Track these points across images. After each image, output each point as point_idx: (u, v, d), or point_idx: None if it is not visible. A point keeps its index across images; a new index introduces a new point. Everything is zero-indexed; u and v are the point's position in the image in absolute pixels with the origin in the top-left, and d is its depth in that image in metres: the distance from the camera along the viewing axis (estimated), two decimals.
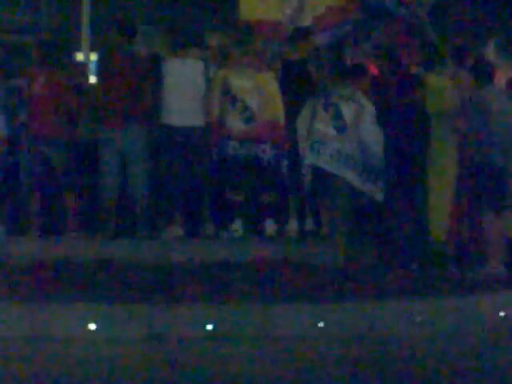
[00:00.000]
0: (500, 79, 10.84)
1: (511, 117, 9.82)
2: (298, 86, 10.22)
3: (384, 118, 9.75)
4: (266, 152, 9.98)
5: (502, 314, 8.56)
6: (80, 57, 11.81)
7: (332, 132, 9.64)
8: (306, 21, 11.54)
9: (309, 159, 9.65)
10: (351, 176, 9.63)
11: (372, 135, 9.64)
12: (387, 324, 8.06)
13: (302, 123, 9.76)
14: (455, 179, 9.80)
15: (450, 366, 7.06)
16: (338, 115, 9.65)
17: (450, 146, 9.90)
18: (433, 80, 10.06)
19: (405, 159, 9.65)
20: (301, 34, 10.76)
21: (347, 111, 9.66)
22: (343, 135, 9.63)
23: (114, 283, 8.34)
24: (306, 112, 9.76)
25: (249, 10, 11.38)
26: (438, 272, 9.47)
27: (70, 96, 9.88)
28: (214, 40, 11.21)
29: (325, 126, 9.64)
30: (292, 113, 9.99)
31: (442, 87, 10.07)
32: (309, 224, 10.41)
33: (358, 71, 10.07)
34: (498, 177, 9.58)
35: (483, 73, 9.92)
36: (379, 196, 9.67)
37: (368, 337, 7.82)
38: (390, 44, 11.32)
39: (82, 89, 10.09)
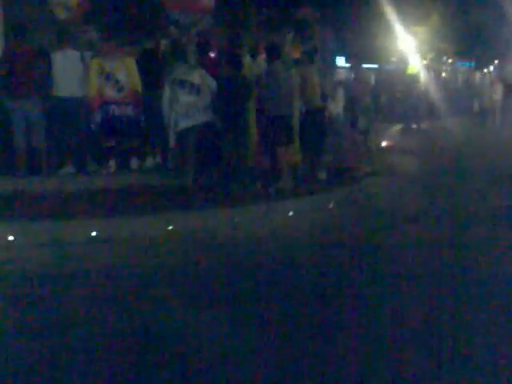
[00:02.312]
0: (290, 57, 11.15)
1: (294, 81, 9.97)
2: (151, 66, 10.19)
3: (221, 84, 9.71)
4: (131, 111, 9.97)
5: (290, 213, 8.84)
6: None
7: (194, 98, 9.51)
8: None
9: (184, 124, 9.45)
10: (210, 117, 9.60)
11: (213, 85, 9.62)
12: (215, 225, 8.12)
13: (166, 103, 9.56)
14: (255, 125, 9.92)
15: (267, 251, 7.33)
16: (192, 87, 9.52)
17: (253, 103, 9.96)
18: (244, 60, 10.15)
19: (232, 112, 9.59)
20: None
21: (197, 81, 9.53)
22: (199, 96, 9.52)
23: (26, 207, 8.23)
24: (166, 93, 9.57)
25: None
26: (250, 187, 9.56)
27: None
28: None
29: (187, 98, 9.49)
30: (149, 84, 9.97)
31: (249, 64, 10.28)
32: (159, 160, 10.40)
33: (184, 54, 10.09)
34: (284, 123, 9.70)
35: (274, 53, 10.01)
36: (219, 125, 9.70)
37: (205, 235, 7.85)
38: None
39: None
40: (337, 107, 13.15)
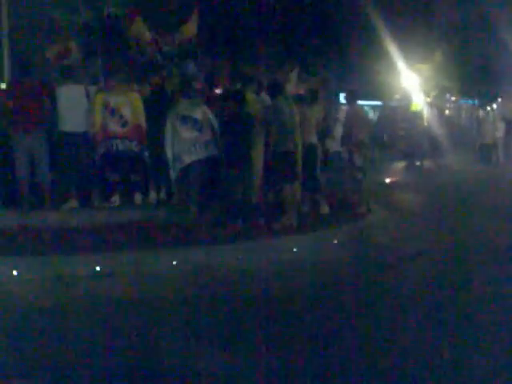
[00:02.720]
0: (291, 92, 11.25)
1: (296, 117, 9.96)
2: (159, 101, 10.33)
3: (225, 120, 9.79)
4: (135, 146, 10.07)
5: (294, 250, 8.83)
6: (3, 86, 11.60)
7: (195, 134, 9.60)
8: None
9: (187, 160, 9.56)
10: (212, 153, 9.66)
11: (214, 124, 9.71)
12: (219, 261, 8.11)
13: (167, 137, 9.69)
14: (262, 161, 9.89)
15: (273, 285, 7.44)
16: (195, 123, 9.63)
17: (260, 140, 9.95)
18: (248, 96, 10.18)
19: (236, 148, 9.60)
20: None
21: (199, 117, 9.64)
22: (202, 133, 9.62)
23: (29, 242, 8.28)
24: (168, 130, 9.69)
25: None
26: (254, 223, 9.54)
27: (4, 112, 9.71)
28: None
29: (190, 134, 9.60)
30: (156, 119, 10.02)
31: (253, 100, 10.36)
32: (162, 195, 10.47)
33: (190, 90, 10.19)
34: (289, 159, 9.69)
35: (276, 89, 10.07)
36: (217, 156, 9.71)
37: (209, 270, 7.87)
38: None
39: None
40: (334, 143, 13.20)
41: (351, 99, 12.05)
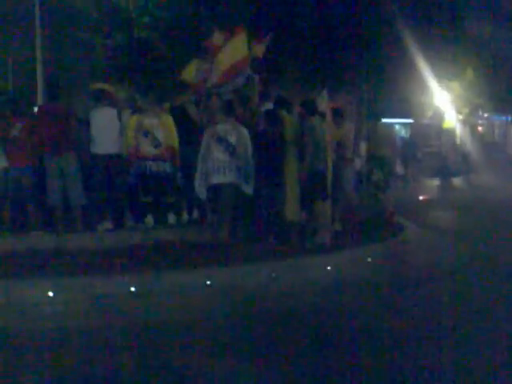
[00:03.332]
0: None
1: (326, 136, 9.87)
2: (189, 123, 10.38)
3: (257, 139, 9.79)
4: (168, 167, 10.16)
5: (328, 268, 8.76)
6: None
7: (227, 157, 9.58)
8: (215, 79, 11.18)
9: (214, 180, 9.54)
10: (240, 180, 9.59)
11: (248, 150, 9.68)
12: (253, 280, 8.12)
13: (202, 158, 9.65)
14: (298, 181, 9.82)
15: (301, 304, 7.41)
16: (228, 145, 9.60)
17: (294, 159, 9.95)
18: (283, 115, 10.04)
19: (269, 167, 9.66)
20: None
21: (234, 141, 9.61)
22: (234, 156, 9.59)
23: (65, 263, 8.32)
24: (203, 147, 9.67)
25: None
26: (287, 242, 9.53)
27: (36, 135, 9.77)
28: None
29: (222, 155, 9.57)
30: (186, 140, 10.12)
31: (287, 119, 10.29)
32: (195, 215, 10.51)
33: (232, 110, 10.18)
34: (322, 178, 9.70)
35: (311, 108, 10.02)
36: (250, 190, 9.68)
37: (243, 289, 7.86)
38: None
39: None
40: (359, 160, 13.16)
41: (374, 118, 12.27)
